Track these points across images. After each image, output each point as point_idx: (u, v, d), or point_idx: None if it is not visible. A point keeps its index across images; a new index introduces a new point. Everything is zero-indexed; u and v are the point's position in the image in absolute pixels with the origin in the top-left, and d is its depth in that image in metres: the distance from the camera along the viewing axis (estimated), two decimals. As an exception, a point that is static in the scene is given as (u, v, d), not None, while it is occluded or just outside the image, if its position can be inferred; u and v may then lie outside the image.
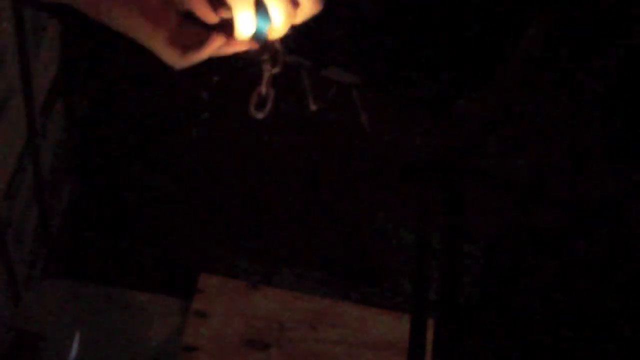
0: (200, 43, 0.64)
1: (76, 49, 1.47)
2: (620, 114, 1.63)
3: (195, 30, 0.65)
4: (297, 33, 0.65)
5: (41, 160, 1.43)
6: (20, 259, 1.43)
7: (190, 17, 0.64)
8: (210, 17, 0.64)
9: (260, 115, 0.69)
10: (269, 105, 0.69)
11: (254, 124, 1.74)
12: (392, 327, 1.59)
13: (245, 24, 0.62)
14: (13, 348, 1.45)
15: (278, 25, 0.63)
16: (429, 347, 1.49)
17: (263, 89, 0.68)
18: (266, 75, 0.68)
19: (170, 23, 0.64)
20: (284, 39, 0.65)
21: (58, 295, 1.53)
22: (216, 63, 0.67)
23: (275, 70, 0.67)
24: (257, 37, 0.64)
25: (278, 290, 1.61)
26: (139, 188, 1.67)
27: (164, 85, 1.58)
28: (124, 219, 1.65)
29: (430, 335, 1.50)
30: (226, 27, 0.64)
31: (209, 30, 0.64)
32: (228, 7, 0.62)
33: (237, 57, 0.68)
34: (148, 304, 1.56)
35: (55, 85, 1.45)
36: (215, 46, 0.64)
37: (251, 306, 1.57)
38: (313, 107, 0.72)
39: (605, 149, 1.67)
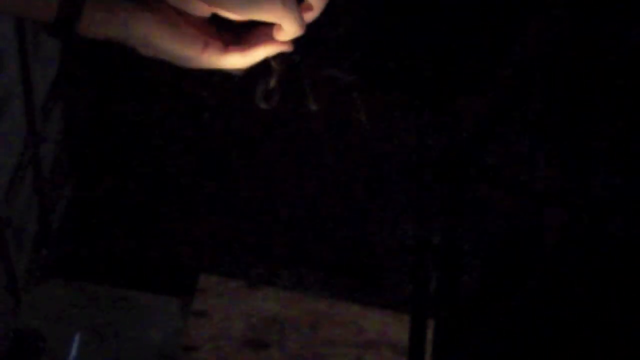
0: (256, 39, 0.65)
1: (76, 49, 1.47)
2: (622, 113, 1.63)
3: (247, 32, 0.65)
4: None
5: (41, 160, 1.43)
6: (20, 259, 1.43)
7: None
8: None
9: (265, 106, 0.69)
10: (275, 98, 0.69)
11: (253, 124, 1.75)
12: (392, 327, 1.59)
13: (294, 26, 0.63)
14: (13, 348, 1.45)
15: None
16: (429, 347, 1.49)
17: (272, 82, 0.68)
18: (276, 69, 0.68)
19: (217, 38, 0.64)
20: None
21: (58, 295, 1.53)
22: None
23: (283, 67, 0.68)
24: None
25: (278, 290, 1.61)
26: (139, 188, 1.67)
27: (164, 85, 1.58)
28: (124, 219, 1.65)
29: (430, 335, 1.50)
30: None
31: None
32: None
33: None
34: (148, 304, 1.56)
35: (55, 85, 1.45)
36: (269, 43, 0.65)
37: (251, 306, 1.57)
38: (313, 107, 0.72)
39: (607, 148, 1.67)
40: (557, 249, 1.67)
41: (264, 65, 0.68)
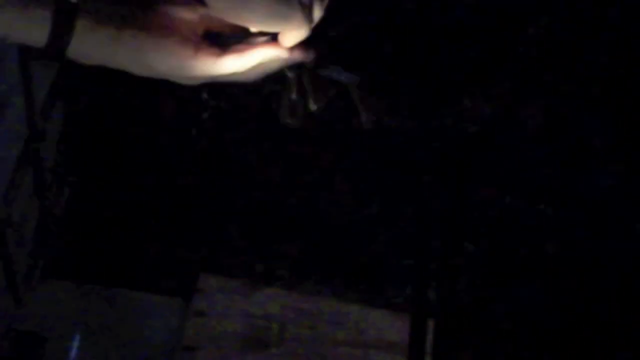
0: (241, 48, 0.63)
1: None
2: (621, 112, 1.63)
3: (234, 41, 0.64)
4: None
5: (41, 160, 1.43)
6: (20, 259, 1.43)
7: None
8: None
9: (292, 122, 0.68)
10: (300, 112, 0.68)
11: (253, 124, 1.75)
12: (392, 327, 1.59)
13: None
14: (13, 348, 1.45)
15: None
16: (429, 347, 1.49)
17: (293, 94, 0.67)
18: (292, 80, 0.67)
19: (196, 41, 0.63)
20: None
21: (58, 295, 1.53)
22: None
23: (297, 74, 0.66)
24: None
25: (278, 290, 1.60)
26: (139, 188, 1.67)
27: (164, 85, 1.58)
28: (124, 219, 1.65)
29: (430, 335, 1.50)
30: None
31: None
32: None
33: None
34: (148, 304, 1.56)
35: (55, 85, 1.45)
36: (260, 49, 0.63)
37: (251, 306, 1.57)
38: (313, 107, 0.72)
39: (607, 147, 1.67)
40: (557, 248, 1.67)
41: (282, 81, 0.66)
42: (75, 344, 1.48)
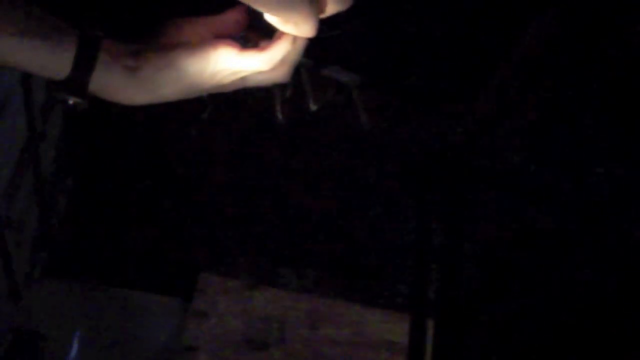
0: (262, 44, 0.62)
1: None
2: (620, 114, 1.63)
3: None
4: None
5: (41, 160, 1.43)
6: (20, 259, 1.43)
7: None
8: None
9: (281, 118, 0.69)
10: (285, 107, 0.69)
11: (253, 124, 1.75)
12: (392, 327, 1.59)
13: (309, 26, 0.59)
14: (13, 348, 1.45)
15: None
16: (429, 347, 1.49)
17: (289, 92, 0.68)
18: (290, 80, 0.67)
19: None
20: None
21: (58, 295, 1.53)
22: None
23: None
24: None
25: (278, 290, 1.61)
26: (139, 188, 1.67)
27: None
28: (124, 219, 1.65)
29: (430, 335, 1.50)
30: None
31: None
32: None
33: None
34: (148, 304, 1.56)
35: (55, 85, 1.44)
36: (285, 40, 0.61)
37: (251, 306, 1.57)
38: (313, 107, 0.72)
39: (605, 148, 1.67)
40: (556, 249, 1.67)
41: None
42: (75, 343, 1.48)
